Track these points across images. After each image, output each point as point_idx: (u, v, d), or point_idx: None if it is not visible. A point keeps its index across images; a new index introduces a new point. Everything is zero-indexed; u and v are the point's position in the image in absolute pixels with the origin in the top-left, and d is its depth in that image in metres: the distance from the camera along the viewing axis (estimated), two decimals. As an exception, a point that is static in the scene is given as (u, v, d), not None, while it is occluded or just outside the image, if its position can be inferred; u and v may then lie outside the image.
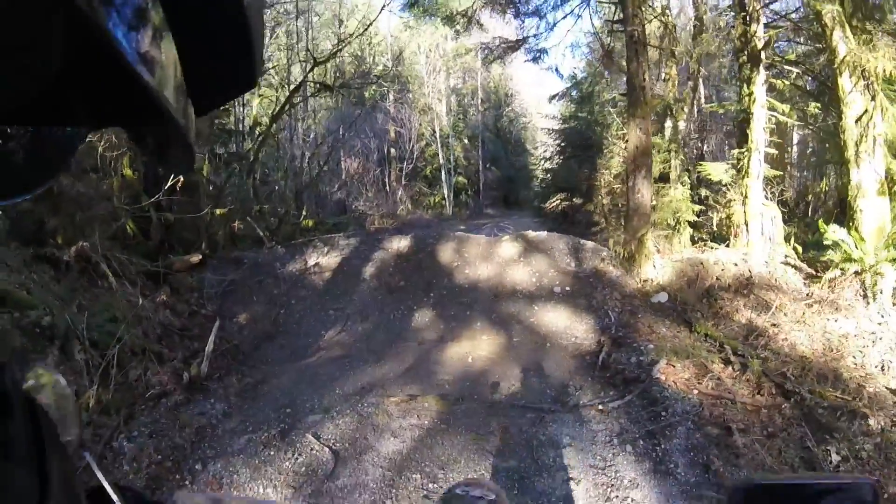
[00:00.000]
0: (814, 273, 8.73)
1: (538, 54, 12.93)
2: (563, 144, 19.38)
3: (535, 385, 6.27)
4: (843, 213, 9.60)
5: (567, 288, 8.68)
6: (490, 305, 8.43)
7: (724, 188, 10.82)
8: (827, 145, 11.74)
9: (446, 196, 25.14)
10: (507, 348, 7.32)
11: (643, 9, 9.61)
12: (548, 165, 20.71)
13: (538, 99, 36.15)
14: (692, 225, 11.45)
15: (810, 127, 11.48)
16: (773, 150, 10.37)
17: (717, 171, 10.72)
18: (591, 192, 17.28)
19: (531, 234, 10.30)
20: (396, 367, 6.67)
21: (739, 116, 10.72)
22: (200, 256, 8.90)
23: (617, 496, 4.27)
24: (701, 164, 11.78)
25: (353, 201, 19.89)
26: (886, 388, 5.90)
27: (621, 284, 8.78)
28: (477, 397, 5.84)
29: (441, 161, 25.43)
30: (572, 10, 12.09)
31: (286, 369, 6.75)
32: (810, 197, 13.37)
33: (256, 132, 14.35)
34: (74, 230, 7.08)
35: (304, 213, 14.83)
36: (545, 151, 21.56)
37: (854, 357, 6.56)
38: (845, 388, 5.79)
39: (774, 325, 7.43)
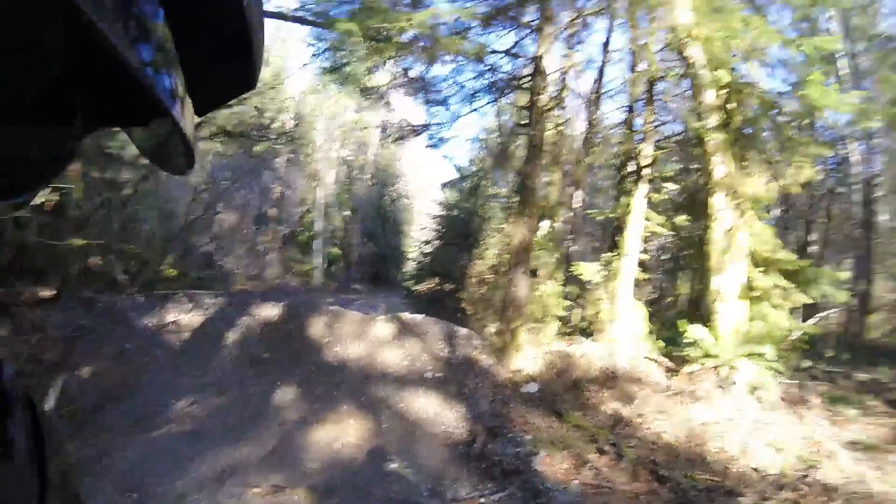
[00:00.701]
0: (672, 367, 9.39)
1: (439, 142, 13.19)
2: (443, 230, 19.62)
3: (411, 476, 5.91)
4: (697, 313, 10.44)
5: (439, 374, 8.45)
6: (359, 387, 8.02)
7: (592, 287, 11.30)
8: (687, 252, 12.69)
9: (318, 266, 24.52)
10: (377, 434, 6.92)
11: (545, 117, 10.03)
12: (427, 249, 20.84)
13: (422, 183, 36.97)
14: (559, 319, 11.76)
15: (675, 235, 12.25)
16: (644, 256, 10.96)
17: (588, 271, 11.18)
18: (463, 280, 17.47)
19: (407, 316, 10.05)
20: (257, 449, 6.08)
21: (613, 223, 11.44)
22: (54, 291, 7.97)
23: None
24: (574, 265, 12.21)
25: (222, 257, 18.88)
26: (749, 467, 6.47)
27: (493, 373, 8.70)
28: (350, 490, 5.41)
29: (319, 230, 24.94)
30: (478, 108, 12.49)
31: (132, 440, 5.99)
32: (671, 299, 14.28)
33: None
34: None
35: (169, 261, 13.88)
36: (426, 234, 21.74)
37: (716, 442, 7.07)
38: (713, 470, 6.32)
39: (639, 415, 7.85)
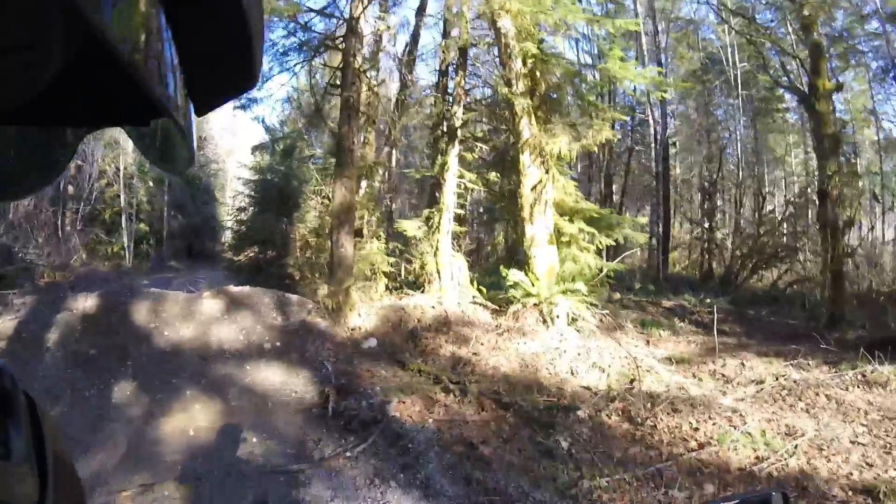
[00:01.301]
0: (498, 308, 10.53)
1: (248, 102, 12.98)
2: (258, 196, 19.20)
3: (273, 447, 6.19)
4: (514, 259, 11.65)
5: (277, 343, 8.70)
6: (198, 369, 8.06)
7: (415, 242, 11.95)
8: (500, 206, 13.81)
9: (126, 245, 23.12)
10: (228, 413, 7.08)
11: (360, 78, 10.27)
12: (242, 217, 20.25)
13: (231, 146, 35.34)
14: (387, 275, 12.37)
15: (487, 191, 13.23)
16: (460, 210, 11.78)
17: (410, 227, 11.88)
18: (286, 246, 17.42)
19: (234, 289, 10.10)
20: (111, 454, 6.02)
21: (431, 181, 12.13)
22: None
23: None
24: (398, 222, 12.84)
25: (21, 248, 17.17)
26: (580, 387, 7.59)
27: (331, 335, 9.12)
28: (218, 472, 5.59)
29: (123, 204, 23.31)
30: (290, 67, 12.37)
31: None
32: (489, 248, 15.62)
33: None
34: None
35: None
36: (240, 201, 21.07)
37: (547, 369, 8.19)
38: (549, 392, 7.34)
39: (475, 354, 8.78)
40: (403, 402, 6.92)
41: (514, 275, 10.06)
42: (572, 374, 8.07)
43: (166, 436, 6.52)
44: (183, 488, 5.27)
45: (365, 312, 9.84)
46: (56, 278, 15.72)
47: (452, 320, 9.84)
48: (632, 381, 7.70)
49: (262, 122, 22.77)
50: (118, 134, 23.35)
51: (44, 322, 8.63)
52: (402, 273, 13.00)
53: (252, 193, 19.85)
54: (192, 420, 6.88)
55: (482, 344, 9.09)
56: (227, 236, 26.94)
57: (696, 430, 6.28)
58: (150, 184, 26.11)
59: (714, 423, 6.37)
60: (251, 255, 18.59)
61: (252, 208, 19.64)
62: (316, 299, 10.32)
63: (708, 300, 14.59)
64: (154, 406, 7.22)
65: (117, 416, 6.98)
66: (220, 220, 30.86)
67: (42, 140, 0.41)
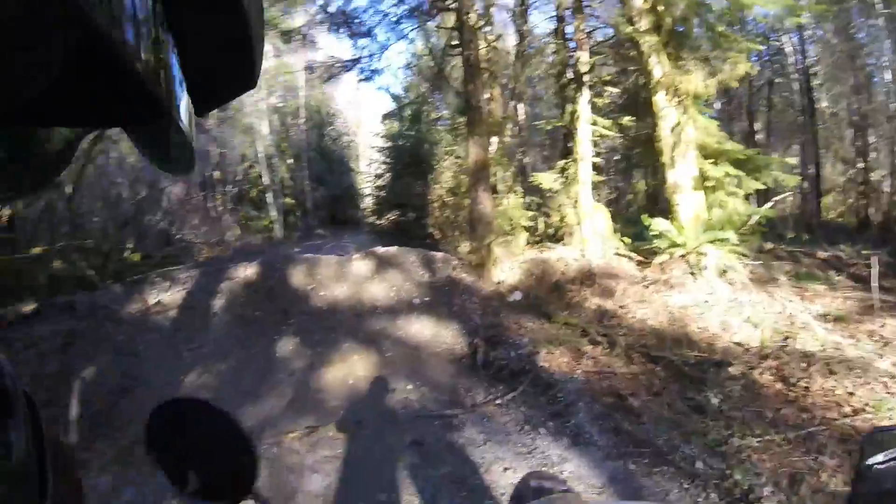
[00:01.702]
0: (642, 260, 9.94)
1: (371, 74, 13.05)
2: (393, 161, 19.61)
3: (427, 394, 6.30)
4: (656, 207, 10.93)
5: (426, 298, 8.79)
6: (354, 324, 8.32)
7: (552, 194, 11.58)
8: (637, 151, 13.07)
9: (275, 218, 24.38)
10: (384, 364, 7.25)
11: (477, 35, 10.05)
12: (380, 182, 20.80)
13: (359, 118, 36.38)
14: (526, 230, 12.15)
15: (623, 137, 12.55)
16: (597, 159, 11.29)
17: (547, 180, 11.46)
18: (424, 207, 17.65)
19: (381, 250, 10.33)
20: (278, 402, 6.35)
21: (562, 132, 11.70)
22: (34, 304, 7.91)
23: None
24: (533, 175, 12.52)
25: (178, 231, 18.61)
26: (732, 342, 7.02)
27: (477, 289, 9.08)
28: (377, 417, 5.76)
29: (266, 182, 24.60)
30: (405, 35, 12.33)
31: None
32: (628, 196, 14.75)
33: (74, 157, 12.91)
34: None
35: (129, 247, 13.73)
36: (376, 169, 21.60)
37: (696, 323, 7.62)
38: (699, 347, 6.84)
39: (621, 306, 8.37)
40: (552, 353, 6.77)
41: (658, 224, 9.42)
42: (723, 328, 7.44)
43: (327, 385, 6.79)
44: (345, 431, 5.46)
45: (508, 267, 9.74)
46: (214, 254, 16.86)
47: (596, 272, 9.50)
48: (786, 339, 7.03)
49: (388, 90, 22.96)
50: (252, 120, 25.17)
51: (209, 291, 9.23)
52: (541, 227, 12.71)
53: (386, 160, 20.35)
54: (350, 370, 7.10)
55: (628, 296, 8.69)
56: (367, 202, 27.78)
57: (852, 394, 5.58)
58: (290, 161, 27.46)
59: (871, 388, 5.70)
60: (392, 218, 19.10)
61: (388, 174, 20.15)
62: (459, 256, 10.34)
63: (865, 251, 13.07)
64: (315, 358, 7.53)
65: (282, 369, 7.35)
66: (357, 188, 31.82)
67: (41, 141, 0.40)
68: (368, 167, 25.41)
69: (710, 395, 5.55)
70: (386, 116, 19.42)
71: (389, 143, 20.09)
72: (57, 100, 0.31)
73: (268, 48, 25.63)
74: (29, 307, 7.87)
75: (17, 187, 0.41)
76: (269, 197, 24.48)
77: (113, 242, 13.29)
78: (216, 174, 23.36)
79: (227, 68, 0.39)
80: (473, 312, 8.39)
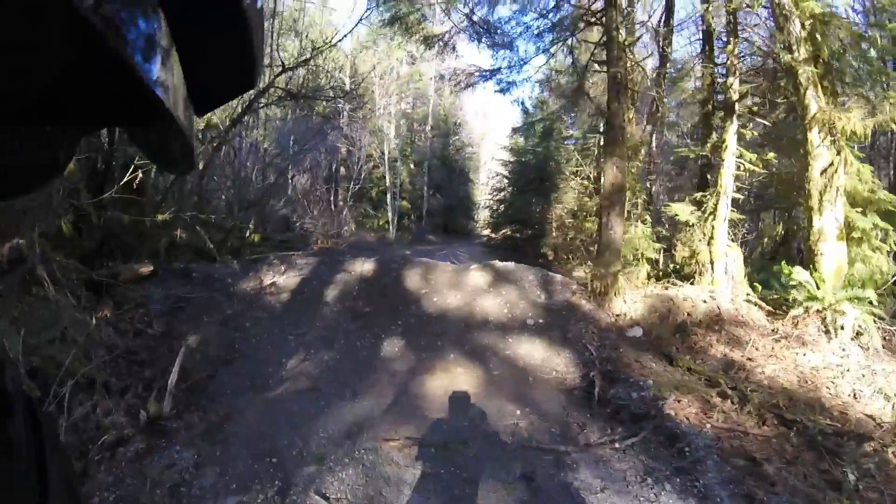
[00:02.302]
0: (772, 311, 9.04)
1: (508, 86, 12.83)
2: (515, 176, 19.28)
3: (536, 422, 5.83)
4: (787, 255, 10.03)
5: (540, 320, 8.35)
6: (461, 336, 8.00)
7: (685, 228, 10.88)
8: (773, 190, 12.16)
9: (390, 219, 24.64)
10: (488, 382, 6.87)
11: (625, 52, 9.57)
12: (500, 197, 20.51)
13: (484, 131, 36.46)
14: (650, 262, 11.46)
15: (764, 173, 11.61)
16: (738, 196, 10.50)
17: (683, 211, 10.71)
18: (542, 226, 17.20)
19: (499, 264, 9.96)
20: (376, 403, 6.11)
21: (700, 161, 10.99)
22: (152, 267, 8.10)
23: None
24: (666, 205, 11.76)
25: (298, 219, 19.08)
26: (864, 414, 6.24)
27: (595, 318, 8.55)
28: (482, 439, 5.35)
29: (387, 184, 24.96)
30: (548, 48, 12.01)
31: (251, 403, 6.01)
32: (754, 239, 13.58)
33: (209, 136, 13.44)
34: (7, 222, 6.05)
35: (251, 227, 14.08)
36: (498, 182, 21.31)
37: (828, 388, 6.84)
38: (831, 416, 6.09)
39: (749, 359, 7.58)
40: (678, 401, 6.08)
41: (798, 274, 8.56)
42: (854, 397, 6.63)
43: (428, 394, 6.46)
44: (449, 448, 5.08)
45: (630, 299, 9.13)
46: (329, 244, 17.13)
47: (725, 318, 8.70)
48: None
49: (522, 104, 22.66)
50: (382, 122, 25.72)
51: (324, 280, 9.20)
52: (663, 260, 11.96)
53: (509, 174, 20.02)
54: (453, 382, 6.77)
55: (757, 349, 7.88)
56: (482, 215, 27.67)
57: None
58: (412, 166, 27.84)
59: None
60: (507, 233, 18.73)
61: (509, 189, 19.79)
62: (579, 280, 9.83)
63: None
64: (419, 364, 7.26)
65: (382, 369, 7.12)
66: (473, 199, 31.80)
67: (41, 140, 0.39)
68: (489, 180, 25.23)
69: (848, 471, 4.94)
70: (515, 130, 19.10)
71: (514, 158, 19.72)
72: (57, 100, 0.32)
73: (402, 55, 26.36)
74: (147, 268, 8.03)
75: (15, 186, 0.39)
76: (388, 198, 24.78)
77: (236, 221, 13.62)
78: (342, 170, 23.86)
79: (227, 68, 0.39)
80: (589, 342, 7.87)
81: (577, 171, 15.94)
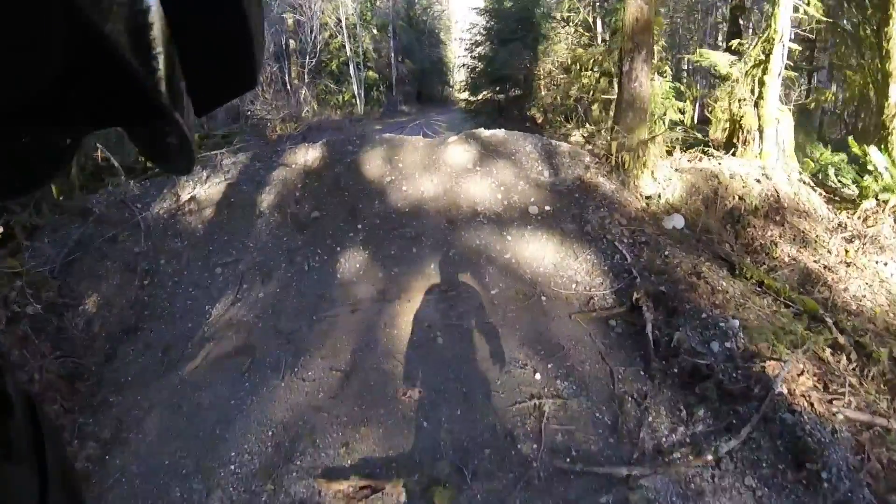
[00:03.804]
0: (832, 197, 7.16)
1: None
2: (496, 27, 16.13)
3: (571, 404, 3.73)
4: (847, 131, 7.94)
5: (547, 207, 6.19)
6: (444, 236, 5.91)
7: (726, 83, 8.47)
8: (838, 49, 9.64)
9: (356, 93, 21.69)
10: (487, 306, 4.91)
11: None
12: (480, 52, 17.39)
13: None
14: (673, 125, 9.15)
15: (829, 22, 8.92)
16: (796, 46, 7.99)
17: (721, 61, 8.20)
18: (529, 84, 14.57)
19: (485, 133, 7.55)
20: (325, 374, 4.15)
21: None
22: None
23: None
24: (701, 52, 9.07)
25: (249, 105, 16.35)
26: None
27: (620, 202, 6.39)
28: (490, 458, 3.30)
29: (349, 54, 21.82)
30: None
31: (154, 398, 4.18)
32: (813, 105, 10.76)
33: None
34: None
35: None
36: (474, 34, 18.09)
37: None
38: None
39: (828, 268, 5.73)
40: (781, 362, 3.69)
41: (875, 157, 6.48)
42: None
43: (403, 337, 4.51)
44: (433, 485, 3.10)
45: (663, 176, 6.86)
46: (287, 131, 14.63)
47: (786, 205, 6.53)
48: None
49: None
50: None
51: (257, 182, 6.96)
52: (688, 121, 9.53)
53: (487, 25, 16.86)
54: (436, 311, 4.77)
55: (829, 251, 5.91)
56: (459, 77, 24.74)
57: None
58: (375, 31, 24.49)
59: None
60: (489, 95, 16.01)
61: (488, 43, 16.69)
62: (593, 151, 7.52)
63: None
64: (388, 285, 5.36)
65: (340, 299, 5.21)
66: (447, 63, 28.66)
67: (41, 140, 0.37)
68: (463, 36, 21.74)
69: None
70: None
71: (494, 4, 16.42)
72: (57, 100, 0.32)
73: None
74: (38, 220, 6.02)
75: (17, 184, 0.38)
76: (351, 69, 21.78)
77: None
78: (291, 44, 20.61)
79: (228, 68, 0.37)
80: (618, 238, 5.73)
81: (568, 16, 13.04)
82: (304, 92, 18.86)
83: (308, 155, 7.20)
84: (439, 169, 6.81)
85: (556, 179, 6.58)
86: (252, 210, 6.58)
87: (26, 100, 0.29)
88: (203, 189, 6.93)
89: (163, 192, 6.97)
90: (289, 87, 18.60)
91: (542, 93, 14.04)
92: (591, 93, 12.13)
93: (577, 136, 10.85)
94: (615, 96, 7.85)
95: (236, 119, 15.67)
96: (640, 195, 6.63)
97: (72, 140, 0.39)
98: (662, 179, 6.82)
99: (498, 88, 15.50)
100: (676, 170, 6.99)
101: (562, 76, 13.29)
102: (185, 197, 6.89)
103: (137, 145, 0.40)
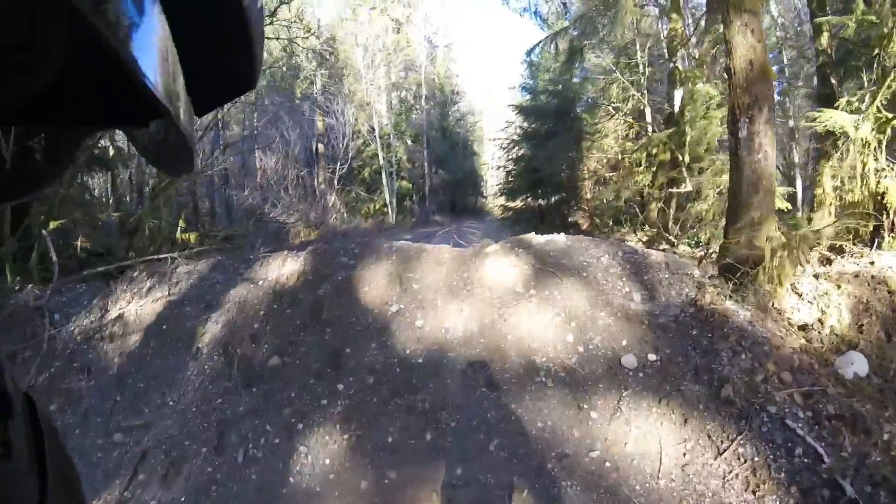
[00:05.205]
0: None
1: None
2: (531, 126, 13.84)
3: None
4: None
5: (651, 356, 3.49)
6: (480, 410, 3.30)
7: (831, 149, 5.97)
8: None
9: (388, 201, 19.65)
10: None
11: None
12: (515, 154, 15.04)
13: (484, 99, 31.88)
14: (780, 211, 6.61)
15: None
16: None
17: (847, 122, 5.68)
18: (572, 185, 12.20)
19: (538, 239, 4.89)
20: None
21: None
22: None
23: None
24: (819, 110, 6.42)
25: (272, 208, 14.22)
26: None
27: (767, 341, 3.58)
28: None
29: (382, 162, 19.95)
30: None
31: None
32: None
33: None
34: None
35: (181, 222, 9.36)
36: (510, 134, 15.80)
37: None
38: None
39: None
40: None
41: None
42: None
43: None
44: None
45: (809, 290, 4.14)
46: (311, 236, 12.41)
47: None
48: None
49: (535, 13, 15.66)
50: (370, 94, 20.89)
51: (206, 303, 4.46)
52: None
53: (522, 125, 14.65)
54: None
55: None
56: (493, 181, 22.79)
57: None
58: (409, 141, 22.86)
59: None
60: (526, 201, 13.63)
61: (523, 144, 14.41)
62: (705, 259, 4.92)
63: None
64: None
65: None
66: (480, 173, 26.77)
67: (42, 140, 0.37)
68: (498, 133, 19.42)
69: None
70: (531, 50, 13.05)
71: (529, 100, 14.19)
72: (57, 100, 0.30)
73: (387, 22, 21.55)
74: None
75: (17, 185, 0.37)
76: (383, 178, 19.85)
77: (163, 216, 9.06)
78: (320, 147, 18.78)
79: (227, 68, 0.36)
80: (789, 410, 3.03)
81: (618, 106, 10.72)
82: (332, 197, 16.80)
83: (284, 268, 4.69)
84: (473, 293, 4.20)
85: (653, 306, 3.89)
86: (189, 343, 4.06)
87: (27, 100, 0.27)
88: (138, 305, 4.47)
89: (92, 301, 4.67)
90: (316, 191, 16.59)
91: (588, 194, 11.66)
92: (644, 194, 9.75)
93: (632, 241, 8.41)
94: (712, 180, 5.35)
95: (256, 220, 13.58)
96: (790, 324, 3.91)
97: (72, 141, 0.37)
98: (810, 295, 4.12)
99: (539, 191, 13.05)
100: (827, 277, 4.29)
101: (610, 174, 10.93)
102: (113, 313, 4.45)
103: (137, 146, 0.38)
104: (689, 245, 7.94)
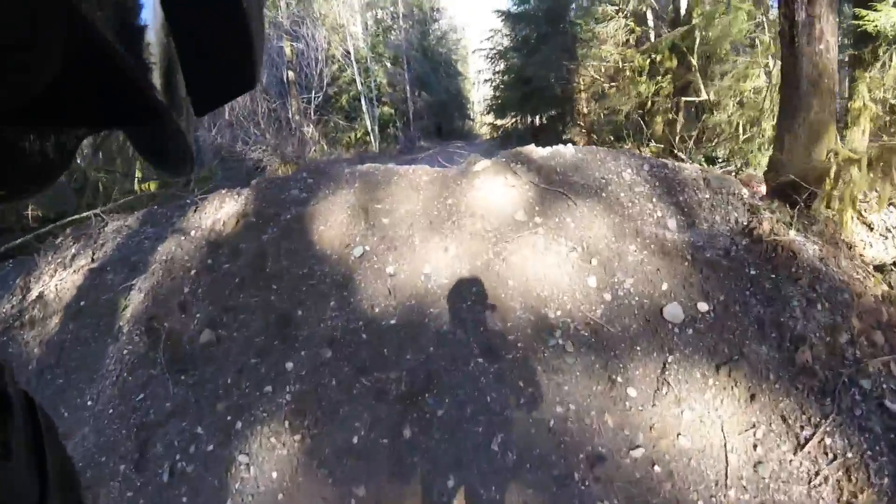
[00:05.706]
0: None
1: None
2: (520, 34, 12.49)
3: None
4: None
5: (701, 305, 2.58)
6: (477, 388, 2.40)
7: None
8: None
9: (370, 129, 18.31)
10: None
11: None
12: (503, 66, 13.73)
13: (467, 15, 30.04)
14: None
15: None
16: None
17: None
18: (566, 98, 11.04)
19: (541, 152, 3.86)
20: None
21: None
22: None
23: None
24: (877, 7, 5.32)
25: (243, 146, 13.07)
26: None
27: (846, 285, 2.64)
28: None
29: (360, 88, 18.51)
30: None
31: None
32: None
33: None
34: None
35: (138, 172, 8.39)
36: (496, 44, 14.41)
37: None
38: None
39: None
40: None
41: None
42: None
43: None
44: None
45: (881, 221, 3.23)
46: (289, 171, 11.43)
47: None
48: None
49: None
50: (342, 18, 19.25)
51: (132, 265, 3.50)
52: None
53: (510, 33, 13.29)
54: None
55: None
56: (480, 106, 21.50)
57: None
58: (389, 65, 21.28)
59: None
60: (518, 118, 12.49)
61: (512, 55, 13.09)
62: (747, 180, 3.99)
63: None
64: None
65: None
66: (467, 94, 25.31)
67: (40, 141, 0.33)
68: (484, 43, 18.02)
69: None
70: None
71: (517, 4, 12.70)
72: (56, 100, 0.29)
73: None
74: None
75: (16, 187, 0.34)
76: (363, 105, 18.50)
77: (116, 168, 8.18)
78: (290, 75, 17.26)
79: (228, 68, 0.35)
80: (885, 380, 2.14)
81: (616, 5, 9.40)
82: (309, 129, 15.57)
83: (221, 211, 3.74)
84: (460, 225, 3.27)
85: (695, 236, 2.98)
86: (110, 324, 3.17)
87: (26, 100, 0.25)
88: (59, 279, 3.57)
89: (15, 280, 3.82)
90: (291, 123, 15.36)
91: (585, 109, 10.54)
92: (648, 106, 8.64)
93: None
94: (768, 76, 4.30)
95: (224, 158, 12.51)
96: (865, 263, 3.01)
97: (71, 141, 0.35)
98: (882, 227, 3.23)
99: (533, 106, 11.88)
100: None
101: (608, 85, 9.77)
102: (33, 293, 3.57)
103: (136, 147, 0.38)
104: (705, 163, 6.98)
